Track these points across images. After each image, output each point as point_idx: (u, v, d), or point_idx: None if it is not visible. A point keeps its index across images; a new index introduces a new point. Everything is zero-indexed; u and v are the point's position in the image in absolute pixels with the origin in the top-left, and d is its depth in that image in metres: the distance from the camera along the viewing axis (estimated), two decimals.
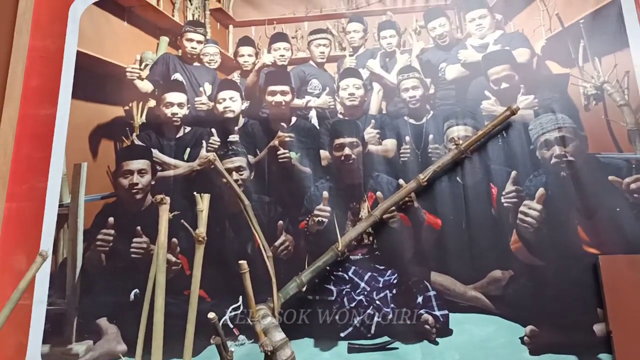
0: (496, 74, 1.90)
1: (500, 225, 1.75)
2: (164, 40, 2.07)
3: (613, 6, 1.91)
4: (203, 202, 1.49)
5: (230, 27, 2.10)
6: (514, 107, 1.79)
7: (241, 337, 1.72)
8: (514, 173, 1.77)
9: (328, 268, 1.70)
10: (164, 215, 1.48)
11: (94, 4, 2.08)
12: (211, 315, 1.38)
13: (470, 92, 1.91)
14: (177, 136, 1.96)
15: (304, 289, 1.64)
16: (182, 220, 1.50)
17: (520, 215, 1.74)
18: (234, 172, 1.86)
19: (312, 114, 1.96)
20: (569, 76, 1.88)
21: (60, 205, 1.87)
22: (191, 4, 2.09)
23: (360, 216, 1.79)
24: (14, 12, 2.06)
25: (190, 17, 2.09)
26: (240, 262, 1.43)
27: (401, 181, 1.81)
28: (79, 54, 2.03)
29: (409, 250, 1.76)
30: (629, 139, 1.79)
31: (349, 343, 1.69)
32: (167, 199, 1.51)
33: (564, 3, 1.95)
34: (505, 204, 1.76)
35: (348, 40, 2.05)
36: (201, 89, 2.01)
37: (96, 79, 2.01)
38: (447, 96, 1.93)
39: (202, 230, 1.45)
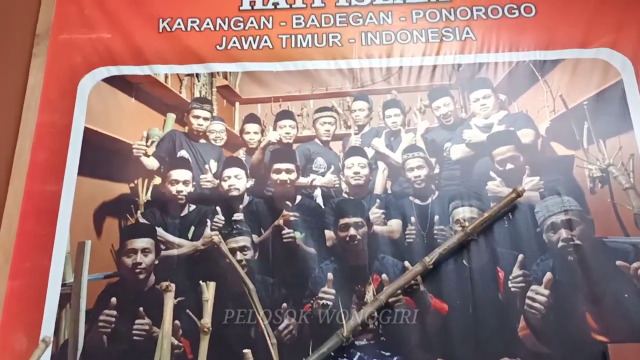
0: (501, 154, 1.97)
1: (507, 310, 1.78)
2: (171, 116, 2.16)
3: (616, 88, 2.01)
4: (209, 291, 1.54)
5: (237, 104, 2.20)
6: (520, 189, 1.86)
7: None
8: (520, 257, 1.82)
9: (332, 354, 1.73)
10: (169, 302, 1.54)
11: (103, 80, 2.18)
12: None
13: (476, 173, 1.99)
14: (182, 214, 2.02)
15: None
16: (188, 311, 1.54)
17: (527, 301, 1.78)
18: (238, 252, 1.91)
19: (317, 192, 2.03)
20: (574, 158, 1.95)
21: (63, 285, 1.91)
22: (198, 81, 2.19)
23: (365, 299, 1.83)
24: (24, 88, 2.16)
25: (197, 94, 2.19)
26: (244, 351, 1.47)
27: (407, 263, 1.85)
28: (86, 130, 2.11)
29: (415, 335, 1.79)
30: (636, 223, 1.85)
31: None
32: (172, 286, 1.57)
33: (567, 84, 2.04)
34: (512, 289, 1.80)
35: (353, 118, 2.14)
36: (207, 166, 2.09)
37: (102, 155, 2.09)
38: (452, 176, 2.00)
39: (207, 320, 1.50)
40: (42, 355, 1.44)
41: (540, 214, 1.87)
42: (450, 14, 2.20)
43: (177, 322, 1.81)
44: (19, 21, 2.26)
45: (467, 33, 2.16)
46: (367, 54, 2.17)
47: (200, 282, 1.55)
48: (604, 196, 1.89)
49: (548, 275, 1.78)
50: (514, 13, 2.18)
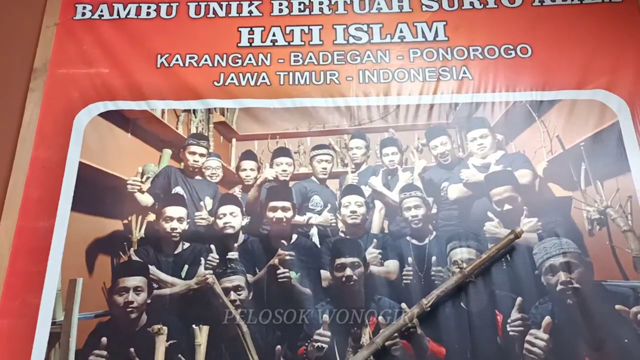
0: (499, 194, 1.97)
1: (506, 355, 1.75)
2: (167, 152, 2.15)
3: (612, 130, 2.02)
4: (201, 335, 1.51)
5: (234, 140, 2.19)
6: (518, 230, 1.85)
7: None
8: (519, 300, 1.80)
9: None
10: (161, 346, 1.51)
11: (99, 115, 2.17)
12: None
13: (473, 213, 1.98)
14: (176, 252, 2.00)
15: None
16: (180, 356, 1.50)
17: (526, 345, 1.75)
18: (231, 292, 1.88)
19: (313, 231, 2.02)
20: (572, 199, 1.94)
21: (53, 323, 1.87)
22: (195, 117, 2.19)
23: (361, 342, 1.80)
24: (19, 123, 2.15)
25: (194, 130, 2.18)
26: None
27: (404, 305, 1.83)
28: (81, 165, 2.09)
29: None
30: (634, 266, 1.84)
31: None
32: (164, 329, 1.54)
33: (564, 125, 2.05)
34: (511, 333, 1.77)
35: (350, 156, 2.14)
36: (202, 203, 2.07)
37: (97, 191, 2.06)
38: (449, 216, 1.99)
39: None
40: None
41: (539, 255, 1.86)
42: (447, 54, 2.22)
43: None
44: (17, 55, 2.27)
45: (464, 72, 2.18)
46: (364, 92, 2.18)
47: (193, 326, 1.51)
48: (603, 238, 1.88)
49: (547, 319, 1.76)
50: (510, 54, 2.20)
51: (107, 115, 2.18)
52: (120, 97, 2.20)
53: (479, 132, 2.09)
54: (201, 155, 2.15)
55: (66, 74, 2.24)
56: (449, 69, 2.20)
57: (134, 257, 1.97)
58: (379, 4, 2.34)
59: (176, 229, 2.01)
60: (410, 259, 1.91)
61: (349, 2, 2.34)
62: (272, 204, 2.04)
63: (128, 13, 2.35)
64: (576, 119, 2.06)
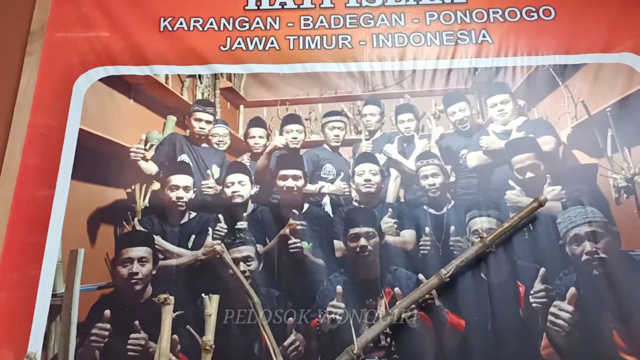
0: (520, 162, 1.92)
1: (529, 327, 1.72)
2: (172, 119, 2.10)
3: None
4: (211, 305, 1.47)
5: (241, 107, 2.15)
6: (542, 198, 1.81)
7: None
8: (542, 270, 1.76)
9: None
10: (167, 317, 1.47)
11: (100, 80, 2.12)
12: None
13: (494, 181, 1.94)
14: (182, 222, 1.96)
15: None
16: (189, 327, 1.46)
17: (550, 317, 1.71)
18: (241, 263, 1.85)
19: (326, 200, 1.98)
20: (598, 167, 1.90)
21: (54, 295, 1.84)
22: (201, 83, 2.14)
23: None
24: (16, 88, 2.10)
25: (199, 96, 2.13)
26: None
27: (421, 276, 1.80)
28: (81, 132, 2.04)
29: (430, 353, 1.72)
30: None
31: None
32: (171, 299, 1.50)
33: (589, 90, 2.01)
34: (534, 305, 1.74)
35: (364, 123, 2.09)
36: (209, 171, 2.03)
37: (98, 159, 2.02)
38: (468, 185, 1.95)
39: (209, 338, 1.42)
40: None
41: (563, 225, 1.82)
42: (466, 16, 2.17)
43: (175, 336, 1.73)
44: (13, 18, 2.21)
45: (484, 36, 2.13)
46: (378, 57, 2.13)
47: (203, 295, 1.48)
48: (630, 207, 1.84)
49: (572, 290, 1.72)
50: (533, 16, 2.15)
51: (108, 81, 2.13)
52: (121, 61, 2.15)
53: (499, 97, 2.04)
54: (207, 122, 2.10)
55: (64, 37, 2.18)
56: (468, 32, 2.14)
57: (138, 227, 1.94)
58: None
59: (182, 198, 1.97)
60: (427, 229, 1.87)
61: None
62: (283, 172, 2.00)
63: None
64: (602, 84, 2.01)
